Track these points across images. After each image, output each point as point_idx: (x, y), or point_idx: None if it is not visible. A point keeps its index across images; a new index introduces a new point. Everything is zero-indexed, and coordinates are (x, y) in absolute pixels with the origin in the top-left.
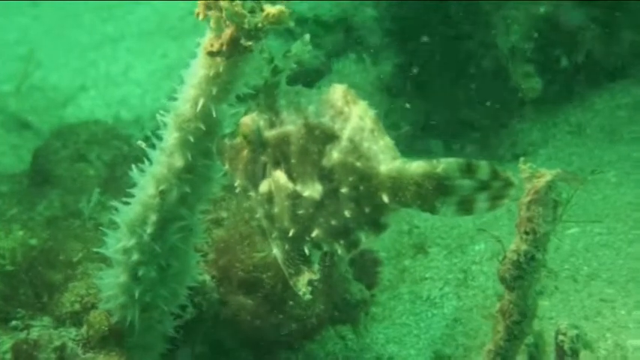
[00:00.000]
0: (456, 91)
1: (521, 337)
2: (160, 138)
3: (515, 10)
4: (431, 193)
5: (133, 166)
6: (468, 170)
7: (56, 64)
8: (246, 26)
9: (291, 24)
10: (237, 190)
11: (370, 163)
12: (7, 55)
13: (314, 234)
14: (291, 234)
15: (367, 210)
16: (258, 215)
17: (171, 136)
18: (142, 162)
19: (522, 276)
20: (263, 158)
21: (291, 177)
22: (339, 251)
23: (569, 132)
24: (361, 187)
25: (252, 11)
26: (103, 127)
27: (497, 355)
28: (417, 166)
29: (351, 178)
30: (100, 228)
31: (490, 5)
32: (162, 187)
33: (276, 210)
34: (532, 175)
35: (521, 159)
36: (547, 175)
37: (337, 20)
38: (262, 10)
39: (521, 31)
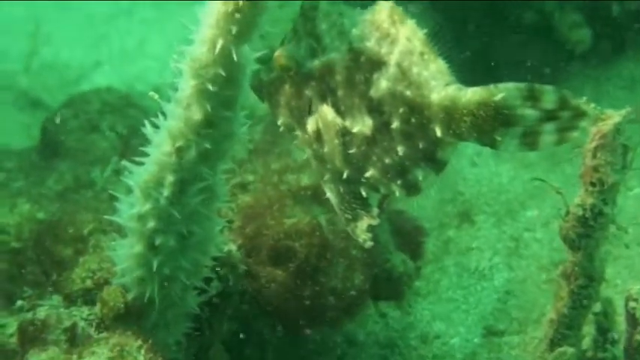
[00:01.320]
0: (494, 49)
1: (588, 304)
2: (175, 88)
3: None
4: (489, 125)
5: (146, 121)
6: (532, 97)
7: (67, 39)
8: None
9: None
10: (280, 130)
11: (421, 91)
12: (16, 31)
13: (368, 174)
14: (345, 175)
15: (422, 145)
16: (306, 156)
17: (187, 85)
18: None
19: (589, 234)
20: (307, 92)
21: (339, 111)
22: (397, 193)
23: (622, 87)
24: (413, 120)
25: None
26: (117, 95)
27: (561, 324)
28: (472, 94)
29: (401, 110)
30: (114, 195)
31: None
32: (179, 144)
33: (326, 149)
34: (597, 117)
35: (584, 98)
36: (614, 116)
37: None
38: None
39: None
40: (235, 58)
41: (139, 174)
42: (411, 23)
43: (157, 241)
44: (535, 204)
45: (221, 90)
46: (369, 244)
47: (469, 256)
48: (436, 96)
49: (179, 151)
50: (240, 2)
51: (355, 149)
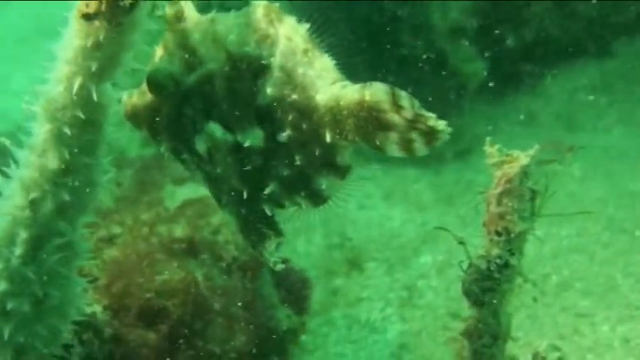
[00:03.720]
0: (384, 80)
1: None
2: (28, 133)
3: None
4: (369, 127)
5: None
6: (394, 100)
7: None
8: None
9: None
10: (165, 157)
11: (307, 93)
12: None
13: (269, 189)
14: (245, 195)
15: (318, 152)
16: (196, 179)
17: (42, 130)
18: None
19: (494, 287)
20: (189, 110)
21: (227, 126)
22: (303, 205)
23: (519, 122)
24: (304, 126)
25: None
26: None
27: None
28: (352, 92)
29: (291, 116)
30: None
31: None
32: (33, 196)
33: (219, 170)
34: (502, 161)
35: (488, 139)
36: (521, 158)
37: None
38: None
39: (460, 7)
40: (95, 98)
41: None
42: (289, 20)
43: (9, 306)
44: (428, 249)
45: (80, 134)
46: (279, 266)
47: (359, 307)
48: (321, 97)
49: (33, 204)
50: (101, 36)
51: (251, 165)
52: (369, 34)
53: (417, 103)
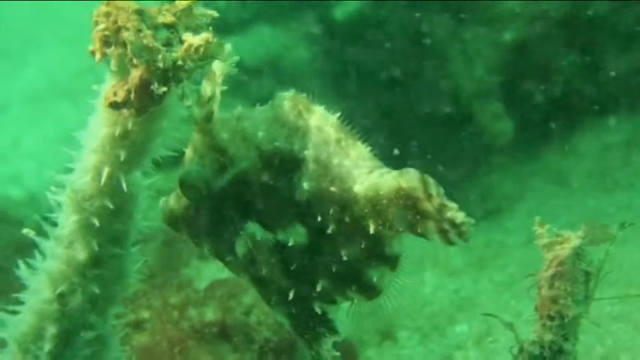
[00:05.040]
0: (407, 140)
1: None
2: (54, 224)
3: (475, 39)
4: (409, 215)
5: (20, 262)
6: (425, 187)
7: None
8: (160, 65)
9: (232, 60)
10: (210, 259)
11: (345, 184)
12: None
13: (319, 287)
14: (292, 294)
15: (364, 244)
16: (243, 281)
17: (68, 221)
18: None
19: None
20: (226, 212)
21: (266, 226)
22: (356, 300)
23: (550, 181)
24: (347, 219)
25: (167, 43)
26: None
27: None
28: (390, 180)
29: (332, 210)
30: None
31: (445, 37)
32: (61, 289)
33: (264, 272)
34: (553, 242)
35: (537, 219)
36: (572, 238)
37: (263, 63)
38: (181, 41)
39: (485, 64)
40: (125, 188)
41: (15, 325)
42: (319, 110)
43: None
44: (464, 317)
45: (109, 224)
46: None
47: None
48: (360, 187)
49: (61, 298)
50: (129, 125)
51: (296, 264)
52: (392, 94)
53: (442, 190)
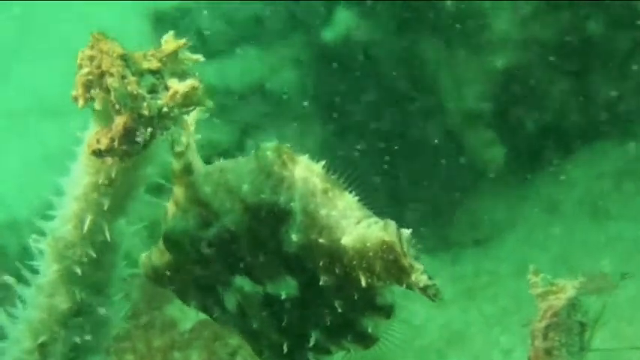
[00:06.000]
0: (397, 167)
1: None
2: (35, 271)
3: (465, 65)
4: (393, 269)
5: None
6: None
7: None
8: (145, 112)
9: (210, 104)
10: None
11: (333, 235)
12: None
13: (313, 339)
14: (285, 348)
15: (357, 295)
16: (235, 334)
17: (50, 269)
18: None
19: None
20: (213, 267)
21: (255, 279)
22: (352, 350)
23: (541, 209)
24: (337, 270)
25: (152, 90)
26: None
27: None
28: (377, 231)
29: (322, 262)
30: None
31: (434, 62)
32: (42, 339)
33: (255, 326)
34: (547, 291)
35: (531, 267)
36: (567, 288)
37: (250, 86)
38: (167, 87)
39: (476, 90)
40: (108, 236)
41: None
42: (303, 159)
43: None
44: (455, 352)
45: (92, 273)
46: None
47: None
48: (347, 239)
49: (42, 347)
50: (113, 173)
51: (288, 316)
52: (381, 119)
53: (412, 250)
